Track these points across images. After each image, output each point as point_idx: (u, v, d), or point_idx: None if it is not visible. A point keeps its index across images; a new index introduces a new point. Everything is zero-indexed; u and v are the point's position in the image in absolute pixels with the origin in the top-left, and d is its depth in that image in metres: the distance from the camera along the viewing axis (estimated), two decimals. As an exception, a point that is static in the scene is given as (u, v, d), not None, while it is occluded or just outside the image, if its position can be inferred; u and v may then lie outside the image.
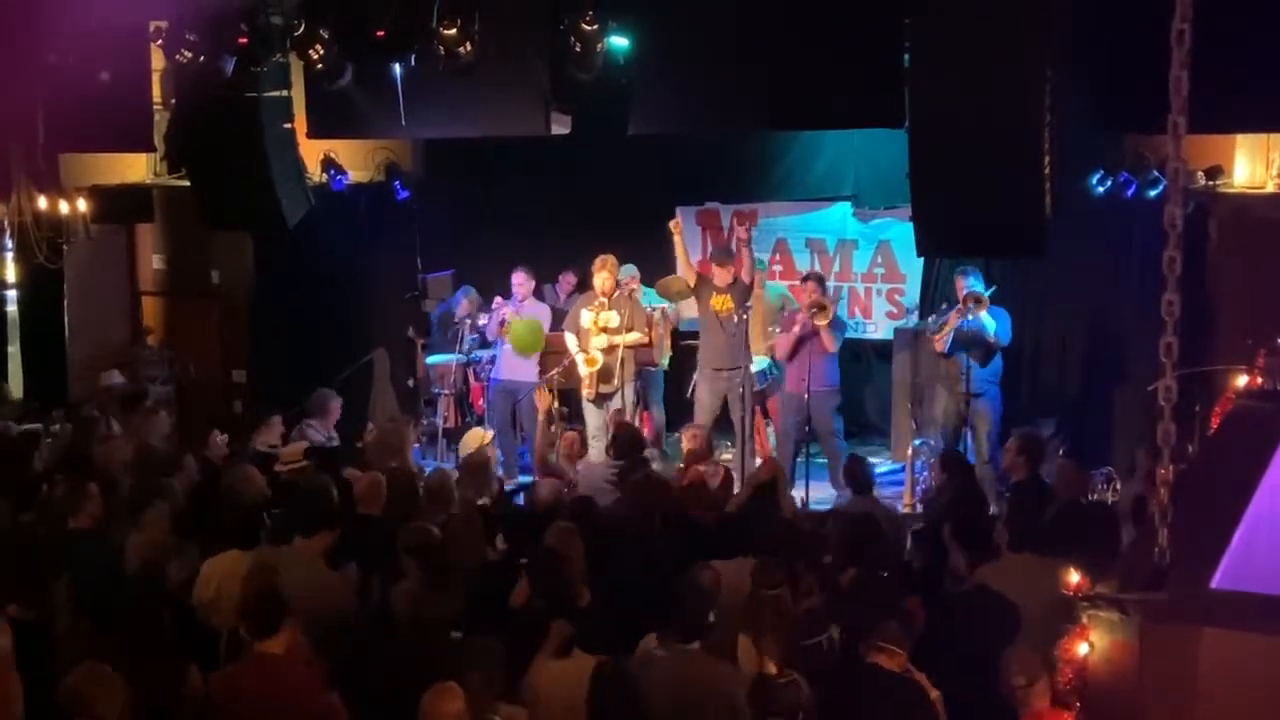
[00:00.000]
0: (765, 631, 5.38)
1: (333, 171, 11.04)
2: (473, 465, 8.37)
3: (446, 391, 11.43)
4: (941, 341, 10.02)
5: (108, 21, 9.47)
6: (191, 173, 10.72)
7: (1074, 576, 3.54)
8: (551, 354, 10.98)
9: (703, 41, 8.93)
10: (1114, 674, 3.30)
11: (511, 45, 9.20)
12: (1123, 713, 3.26)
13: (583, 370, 10.74)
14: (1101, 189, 9.53)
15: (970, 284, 9.90)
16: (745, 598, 5.65)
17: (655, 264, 11.92)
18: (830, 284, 11.44)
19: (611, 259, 10.75)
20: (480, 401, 11.73)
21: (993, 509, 8.28)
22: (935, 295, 11.57)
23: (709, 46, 8.89)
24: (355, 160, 11.42)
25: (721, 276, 10.24)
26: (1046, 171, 7.96)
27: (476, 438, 9.24)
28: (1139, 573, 3.39)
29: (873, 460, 10.65)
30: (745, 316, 10.40)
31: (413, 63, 9.19)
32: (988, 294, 9.88)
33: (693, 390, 11.03)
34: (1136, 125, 8.44)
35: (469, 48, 8.81)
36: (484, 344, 11.52)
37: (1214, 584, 3.33)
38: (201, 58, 9.13)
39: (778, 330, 10.69)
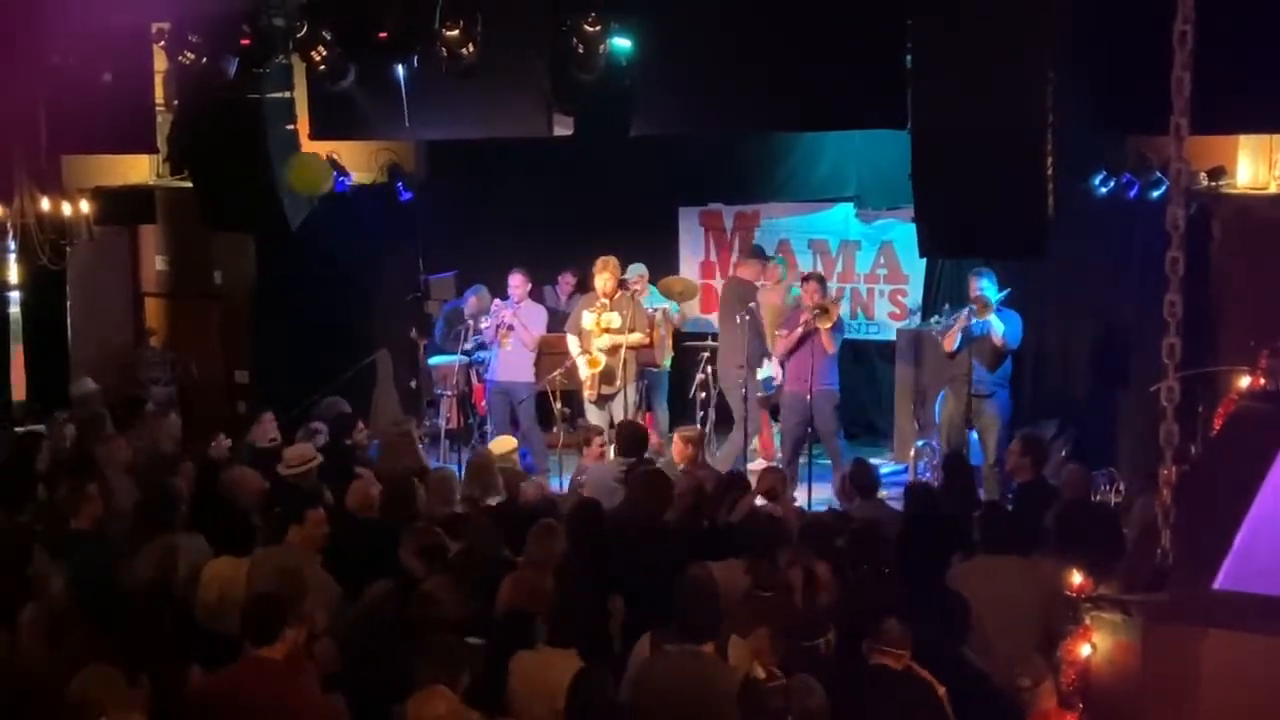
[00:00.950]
0: (757, 633, 5.39)
1: (335, 173, 11.05)
2: (474, 466, 8.38)
3: (449, 393, 11.43)
4: (950, 342, 10.00)
5: (110, 23, 9.47)
6: (194, 174, 10.74)
7: (1076, 577, 3.53)
8: (553, 355, 10.98)
9: (705, 42, 8.92)
10: (1116, 675, 3.30)
11: (514, 46, 9.19)
12: (1125, 713, 3.25)
13: (585, 372, 10.74)
14: (1104, 190, 9.52)
15: (983, 286, 9.86)
16: (739, 599, 5.65)
17: (658, 265, 11.94)
18: (833, 285, 11.45)
19: (613, 260, 10.75)
20: (482, 403, 11.73)
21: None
22: (938, 296, 11.57)
23: (711, 47, 8.88)
24: (358, 162, 11.42)
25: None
26: (1049, 172, 7.95)
27: (502, 444, 9.22)
28: (1141, 574, 3.39)
29: (874, 461, 10.66)
30: (746, 319, 10.44)
31: (415, 64, 9.19)
32: (1000, 296, 9.86)
33: (695, 390, 11.04)
34: (1139, 126, 8.42)
35: (471, 49, 8.81)
36: (483, 345, 11.52)
37: (1216, 585, 3.33)
38: (204, 59, 9.14)
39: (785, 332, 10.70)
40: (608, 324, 10.67)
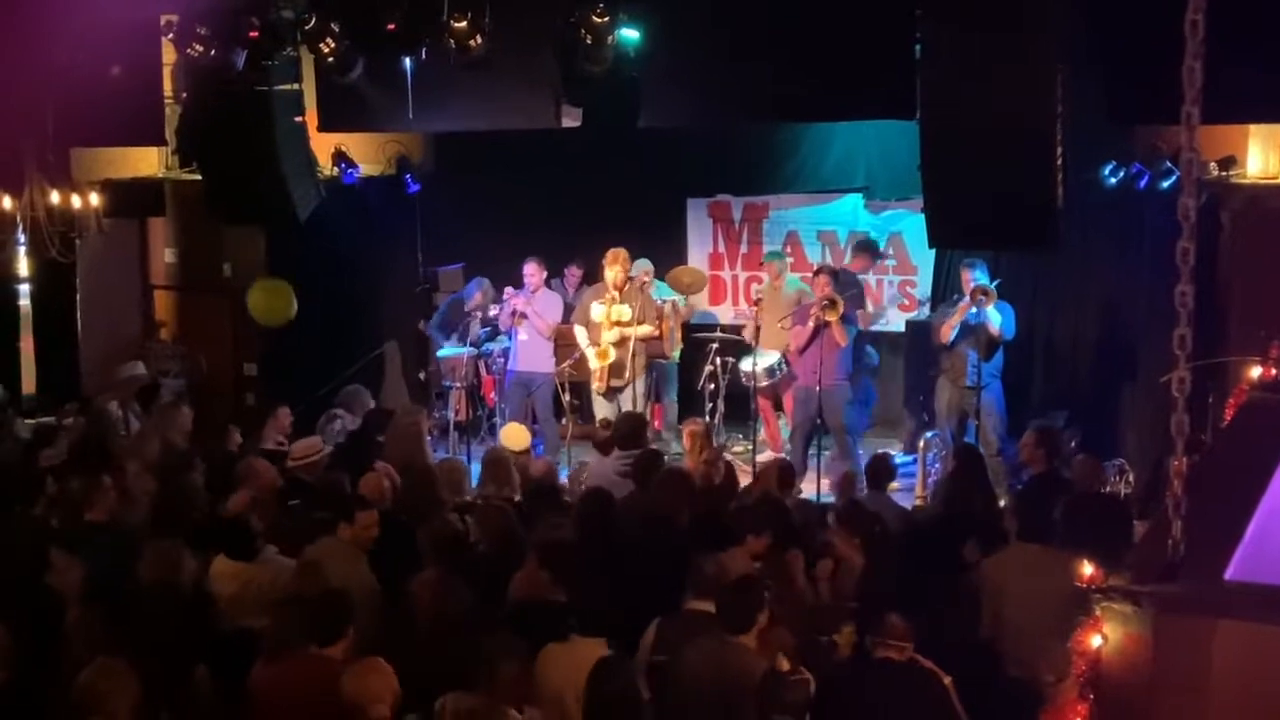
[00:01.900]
0: (775, 626, 5.39)
1: (344, 165, 11.06)
2: (490, 462, 8.38)
3: (458, 384, 11.43)
4: (947, 333, 10.01)
5: (119, 16, 9.49)
6: (203, 166, 10.74)
7: (1087, 568, 3.52)
8: (565, 346, 10.99)
9: (713, 33, 8.91)
10: (1127, 666, 3.29)
11: (522, 38, 9.19)
12: (1136, 704, 3.25)
13: (594, 364, 10.74)
14: (1113, 180, 9.49)
15: (976, 277, 9.89)
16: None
17: (666, 256, 11.93)
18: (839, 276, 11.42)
19: (623, 252, 10.74)
20: (492, 394, 11.74)
21: (1001, 501, 8.27)
22: (947, 287, 11.54)
23: (720, 38, 8.87)
24: (366, 154, 11.43)
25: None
26: (1058, 163, 7.94)
27: (517, 438, 9.22)
28: (1152, 565, 3.39)
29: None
30: (757, 309, 10.43)
31: (423, 56, 9.19)
32: (992, 287, 9.87)
33: (703, 382, 11.03)
34: (1149, 116, 8.39)
35: (479, 41, 8.81)
36: (494, 336, 11.52)
37: (1227, 576, 3.33)
38: (212, 51, 9.14)
39: (790, 321, 10.69)
40: (618, 316, 10.67)
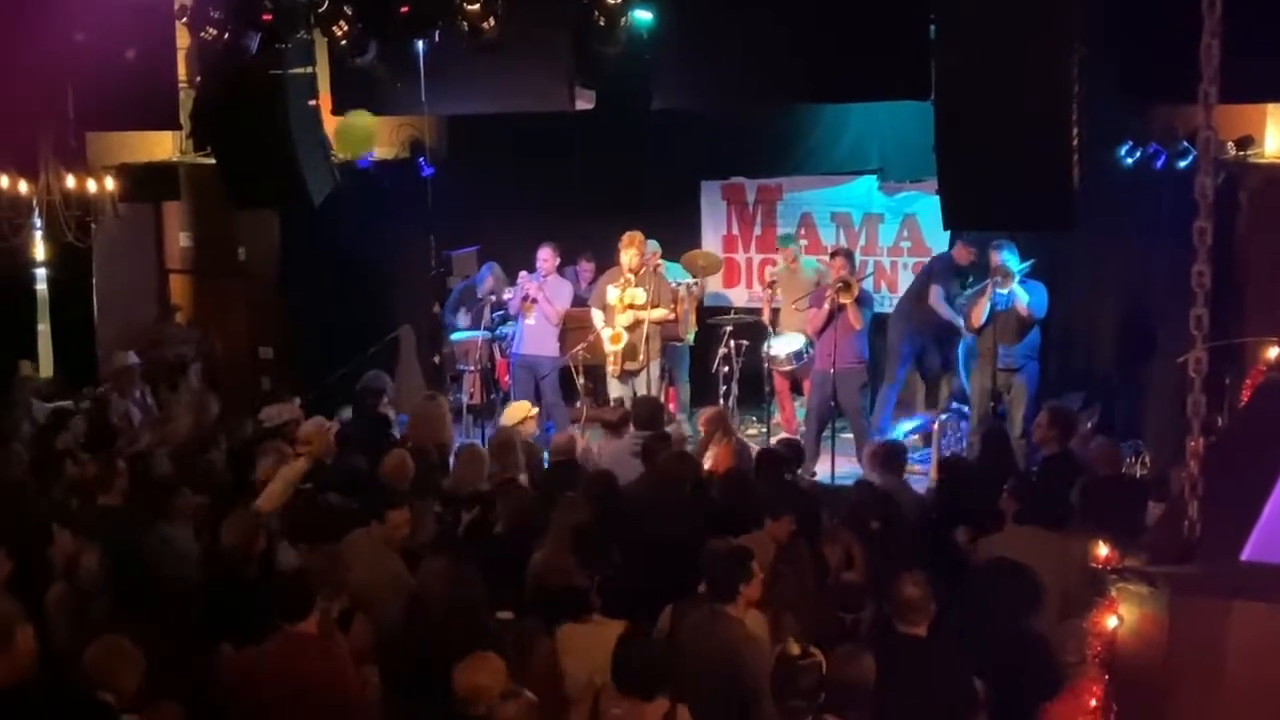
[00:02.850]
0: (785, 609, 5.40)
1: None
2: (497, 444, 8.40)
3: (471, 368, 11.45)
4: (978, 317, 9.95)
5: (132, 0, 9.49)
6: (217, 150, 10.75)
7: (1103, 549, 3.51)
8: (577, 330, 10.99)
9: (727, 15, 8.88)
10: (1143, 647, 3.29)
11: (535, 21, 9.18)
12: (1152, 685, 3.25)
13: (608, 347, 10.74)
14: (1130, 160, 9.45)
15: (1004, 258, 9.82)
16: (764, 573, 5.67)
17: (680, 239, 11.91)
18: (856, 258, 11.40)
19: (639, 235, 10.73)
20: (506, 378, 11.75)
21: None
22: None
23: (734, 20, 8.84)
24: (380, 137, 11.44)
25: None
26: (1074, 143, 7.89)
27: (518, 411, 9.25)
28: (1168, 545, 3.38)
29: (906, 424, 10.66)
30: (772, 292, 10.41)
31: (436, 39, 9.19)
32: (1024, 267, 9.82)
33: (717, 365, 11.03)
34: (1166, 95, 8.34)
35: (492, 24, 8.80)
36: (506, 320, 11.52)
37: (1244, 557, 3.31)
38: (226, 35, 9.14)
39: (807, 301, 10.68)
40: (632, 299, 10.67)
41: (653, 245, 11.16)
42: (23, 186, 10.14)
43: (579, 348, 10.87)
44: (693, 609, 5.46)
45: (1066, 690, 4.73)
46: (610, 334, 10.70)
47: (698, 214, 12.66)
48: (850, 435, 10.48)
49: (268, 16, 9.18)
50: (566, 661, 5.32)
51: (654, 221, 11.27)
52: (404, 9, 9.07)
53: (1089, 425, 9.59)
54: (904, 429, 10.58)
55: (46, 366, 11.71)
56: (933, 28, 8.29)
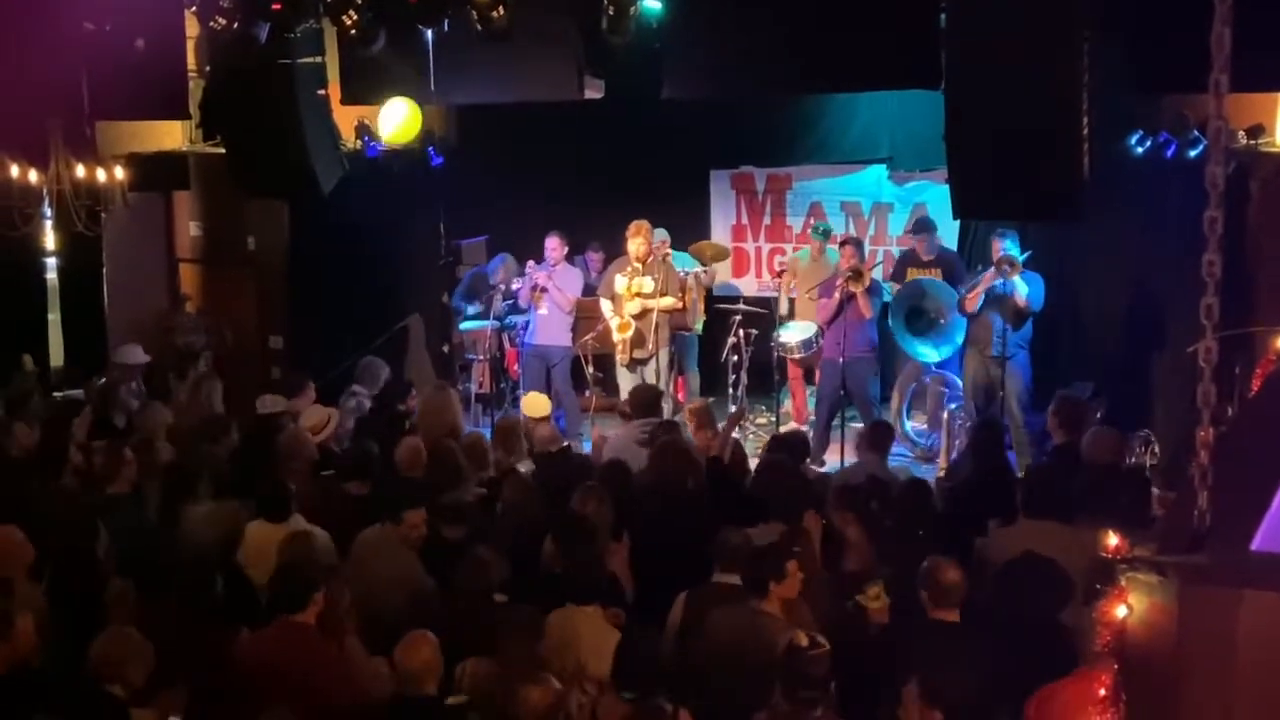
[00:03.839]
0: (796, 599, 5.40)
1: (367, 138, 11.06)
2: (501, 430, 8.41)
3: (481, 358, 11.47)
4: (972, 303, 9.97)
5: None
6: (226, 140, 10.77)
7: (1112, 539, 3.51)
8: (586, 320, 10.99)
9: (736, 4, 8.87)
10: (1152, 637, 3.28)
11: (544, 9, 9.18)
12: (1161, 675, 3.25)
13: (616, 336, 10.75)
14: (1140, 150, 9.42)
15: (1006, 247, 9.83)
16: None
17: (689, 228, 11.91)
18: (865, 248, 11.40)
19: (646, 224, 10.74)
20: (515, 367, 11.76)
21: (1020, 474, 8.25)
22: (971, 258, 11.49)
23: (743, 8, 8.83)
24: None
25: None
26: (1084, 133, 7.87)
27: (538, 406, 9.26)
28: (1178, 535, 3.37)
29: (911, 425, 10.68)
30: (784, 280, 10.43)
31: (446, 28, 9.17)
32: (1022, 258, 9.81)
33: (726, 354, 11.03)
34: (1177, 84, 8.31)
35: (501, 13, 8.78)
36: (515, 309, 11.53)
37: (1254, 546, 3.31)
38: (235, 24, 9.14)
39: (816, 293, 10.68)
40: (639, 288, 10.68)
41: (663, 233, 11.16)
42: (33, 176, 10.15)
43: (588, 337, 10.88)
44: (717, 602, 5.44)
45: (1075, 679, 4.73)
46: (618, 323, 10.71)
47: (707, 203, 12.66)
48: (860, 424, 10.47)
49: (277, 5, 9.18)
50: (568, 649, 5.33)
51: (663, 211, 11.27)
52: (413, -2, 9.06)
53: (1098, 415, 9.57)
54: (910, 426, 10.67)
55: (57, 356, 11.74)
56: (943, 16, 8.28)
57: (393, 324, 11.68)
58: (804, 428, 10.65)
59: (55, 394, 10.14)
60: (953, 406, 10.36)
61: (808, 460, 8.71)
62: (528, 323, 11.28)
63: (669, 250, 11.06)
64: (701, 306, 11.47)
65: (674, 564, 6.05)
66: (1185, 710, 3.13)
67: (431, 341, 12.14)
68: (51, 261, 11.73)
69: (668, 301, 10.72)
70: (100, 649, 4.82)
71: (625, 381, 10.79)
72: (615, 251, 11.19)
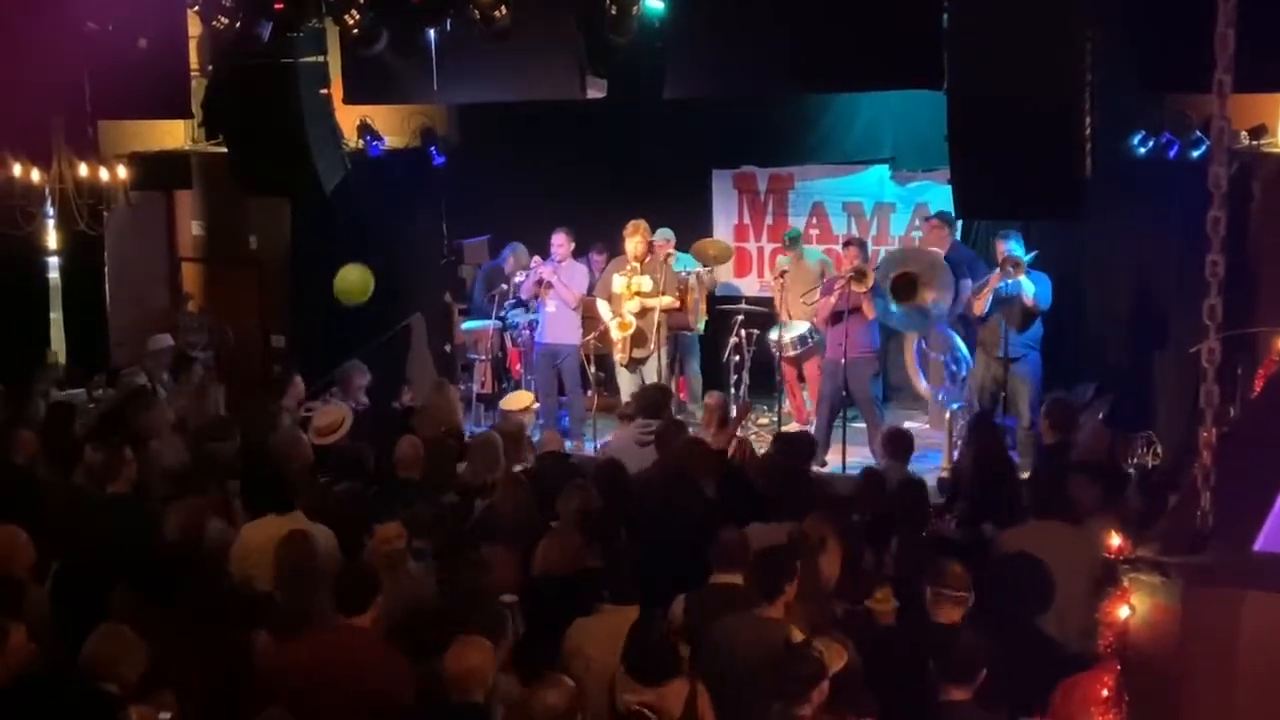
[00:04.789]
0: (794, 599, 5.39)
1: (369, 137, 11.07)
2: (506, 434, 8.40)
3: (483, 357, 11.46)
4: (980, 305, 9.94)
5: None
6: (228, 139, 10.77)
7: (1115, 539, 3.51)
8: (590, 319, 10.99)
9: (738, 3, 8.87)
10: (1155, 637, 3.28)
11: (546, 9, 9.17)
12: (1164, 675, 3.25)
13: (615, 335, 10.75)
14: (1143, 150, 9.41)
15: (1010, 248, 9.80)
16: None
17: (691, 227, 11.90)
18: (869, 248, 11.38)
19: (643, 224, 10.74)
20: (517, 367, 11.76)
21: (1026, 475, 8.25)
22: (972, 259, 11.47)
23: (745, 8, 8.83)
24: (391, 126, 11.43)
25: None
26: (1086, 133, 7.87)
27: (519, 399, 9.24)
28: (1181, 535, 3.37)
29: (910, 425, 10.65)
30: (782, 281, 10.40)
31: (448, 28, 9.17)
32: (1028, 258, 9.79)
33: (728, 354, 11.02)
34: (1180, 84, 8.31)
35: (504, 12, 8.80)
36: (518, 306, 11.50)
37: (1257, 547, 3.31)
38: (238, 24, 9.15)
39: (816, 294, 10.65)
40: (638, 287, 10.68)
41: (667, 233, 11.15)
42: (35, 175, 10.16)
43: (590, 337, 10.87)
44: (719, 604, 5.43)
45: (1079, 679, 4.73)
46: (617, 322, 10.70)
47: (709, 203, 12.65)
48: (862, 425, 10.46)
49: (279, 5, 9.20)
50: (579, 649, 5.32)
51: (665, 211, 11.27)
52: (415, -3, 9.07)
53: (1100, 416, 9.56)
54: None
55: (59, 354, 11.75)
56: (945, 16, 8.27)
57: (394, 323, 11.68)
58: (805, 428, 10.63)
59: (58, 392, 10.13)
60: (955, 407, 10.34)
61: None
62: (532, 322, 11.27)
63: (672, 251, 11.05)
64: (703, 307, 11.46)
65: (683, 562, 6.02)
66: (1188, 710, 3.13)
67: (434, 341, 12.15)
68: (54, 260, 11.73)
69: (666, 301, 10.72)
70: (93, 647, 4.80)
71: (625, 382, 10.78)
72: (618, 253, 11.19)
